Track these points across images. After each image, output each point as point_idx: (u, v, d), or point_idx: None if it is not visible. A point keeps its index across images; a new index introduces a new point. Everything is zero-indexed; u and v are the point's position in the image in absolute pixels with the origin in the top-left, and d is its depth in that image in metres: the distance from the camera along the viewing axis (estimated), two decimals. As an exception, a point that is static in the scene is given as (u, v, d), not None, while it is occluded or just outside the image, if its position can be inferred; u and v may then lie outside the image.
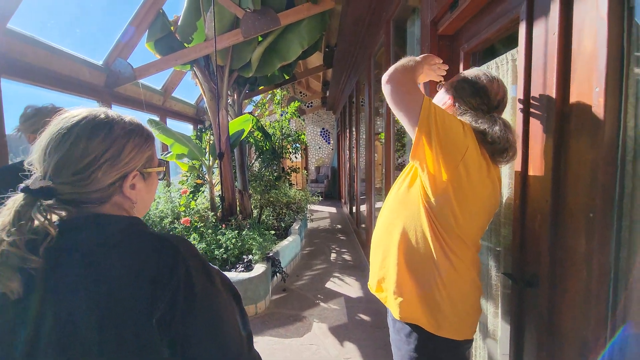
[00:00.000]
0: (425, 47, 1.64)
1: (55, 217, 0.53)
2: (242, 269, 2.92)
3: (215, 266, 0.63)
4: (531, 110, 0.96)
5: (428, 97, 0.88)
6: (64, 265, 0.50)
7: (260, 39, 3.50)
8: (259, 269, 2.84)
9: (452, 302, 0.92)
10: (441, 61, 1.10)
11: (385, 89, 0.91)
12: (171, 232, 3.32)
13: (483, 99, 0.96)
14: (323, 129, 9.89)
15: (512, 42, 1.13)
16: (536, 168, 0.94)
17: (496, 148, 0.92)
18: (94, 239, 0.53)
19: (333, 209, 7.73)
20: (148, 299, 0.50)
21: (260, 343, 2.30)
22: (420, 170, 0.90)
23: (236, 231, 3.48)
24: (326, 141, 9.92)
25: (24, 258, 0.48)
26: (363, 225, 5.04)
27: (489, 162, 0.94)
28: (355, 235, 5.16)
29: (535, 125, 0.94)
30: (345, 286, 3.22)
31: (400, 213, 0.98)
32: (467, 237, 0.92)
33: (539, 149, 0.92)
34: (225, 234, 3.37)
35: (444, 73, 1.13)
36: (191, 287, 0.52)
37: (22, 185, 0.52)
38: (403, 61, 0.93)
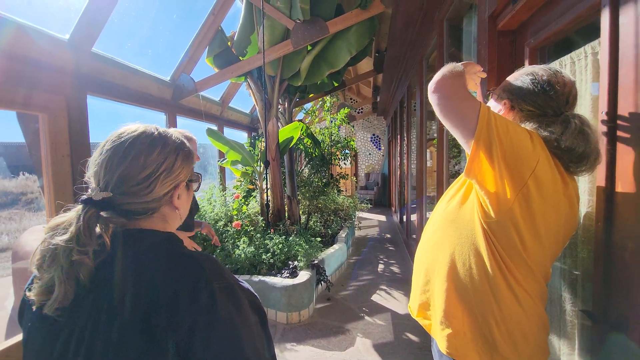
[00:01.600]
0: (482, 45, 1.48)
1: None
2: (287, 274, 2.95)
3: (245, 283, 0.63)
4: (619, 112, 0.79)
5: (485, 105, 0.77)
6: (107, 275, 0.53)
7: (309, 47, 3.55)
8: (304, 276, 2.84)
9: (513, 342, 0.78)
10: (481, 69, 0.99)
11: (433, 98, 0.81)
12: (223, 235, 3.51)
13: (549, 95, 0.81)
14: (373, 134, 9.71)
15: (590, 34, 0.95)
16: (626, 184, 0.76)
17: (573, 155, 0.77)
18: (134, 253, 0.56)
19: (382, 217, 7.49)
20: (168, 319, 0.49)
21: (302, 353, 2.28)
22: (478, 187, 0.78)
23: (283, 236, 3.55)
24: (376, 147, 9.70)
25: (87, 266, 0.52)
26: (414, 236, 4.78)
27: (564, 175, 0.79)
28: (405, 246, 4.91)
29: (625, 130, 0.77)
30: (393, 301, 3.06)
31: (449, 233, 0.87)
32: (536, 264, 0.78)
33: (629, 159, 0.75)
34: (272, 239, 3.45)
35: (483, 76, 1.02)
36: (214, 312, 0.51)
37: (83, 197, 0.56)
38: (449, 67, 0.83)
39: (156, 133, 0.61)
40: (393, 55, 4.02)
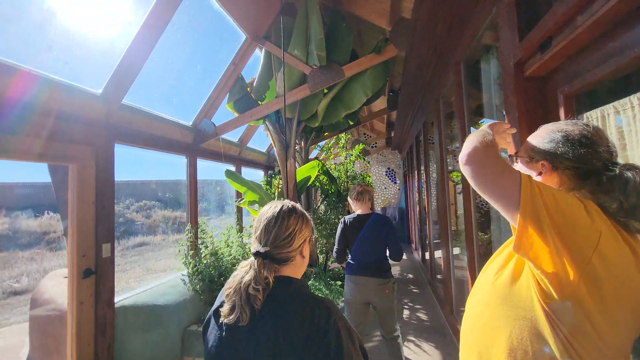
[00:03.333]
0: (509, 91, 1.45)
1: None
2: (308, 324, 2.78)
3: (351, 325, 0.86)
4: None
5: (526, 174, 0.71)
6: (265, 307, 0.79)
7: (325, 91, 3.66)
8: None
9: None
10: (509, 126, 0.96)
11: (466, 171, 0.76)
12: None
13: (590, 148, 0.74)
14: (388, 168, 9.67)
15: (633, 83, 0.91)
16: None
17: (638, 213, 0.69)
18: (281, 293, 0.82)
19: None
20: (302, 351, 0.72)
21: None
22: (533, 266, 0.70)
23: (302, 280, 3.41)
24: (392, 181, 9.61)
25: (258, 299, 0.78)
26: (439, 277, 4.51)
27: (631, 243, 0.70)
28: (430, 287, 4.63)
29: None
30: (424, 355, 2.80)
31: (503, 312, 0.77)
32: (613, 349, 0.67)
33: None
34: (291, 283, 3.31)
35: (513, 131, 0.98)
36: (340, 347, 0.73)
37: (254, 251, 0.84)
38: (478, 136, 0.79)
39: (290, 206, 0.92)
40: (407, 94, 4.08)
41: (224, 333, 0.80)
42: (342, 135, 6.57)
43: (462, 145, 0.80)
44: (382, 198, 9.65)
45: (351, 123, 4.91)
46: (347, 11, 3.57)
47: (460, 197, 4.06)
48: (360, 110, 4.66)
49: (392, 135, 7.63)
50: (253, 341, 0.76)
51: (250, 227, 5.06)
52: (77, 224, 2.33)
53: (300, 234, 0.89)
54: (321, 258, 4.88)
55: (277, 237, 0.86)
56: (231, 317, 0.78)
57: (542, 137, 0.83)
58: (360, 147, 6.60)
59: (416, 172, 5.80)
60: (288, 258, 0.87)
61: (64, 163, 2.29)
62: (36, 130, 2.07)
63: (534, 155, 0.83)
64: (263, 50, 3.80)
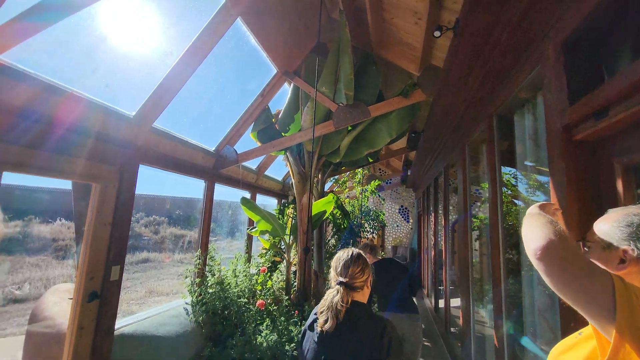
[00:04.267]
0: (555, 154, 1.38)
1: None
2: (313, 374, 2.58)
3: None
4: None
5: (617, 275, 0.62)
6: (344, 324, 1.20)
7: (349, 128, 3.68)
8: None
9: None
10: (557, 206, 0.98)
11: (541, 267, 0.68)
12: (245, 315, 3.25)
13: None
14: (402, 206, 9.51)
15: None
16: None
17: None
18: (355, 310, 1.23)
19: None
20: (368, 349, 1.17)
21: None
22: None
23: (309, 321, 3.23)
24: (405, 219, 9.41)
25: (342, 313, 1.18)
26: (454, 330, 4.21)
27: None
28: (443, 341, 4.31)
29: None
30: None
31: None
32: None
33: None
34: (297, 324, 3.13)
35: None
36: (388, 350, 1.18)
37: (338, 281, 1.26)
38: (544, 223, 0.71)
39: (357, 252, 1.35)
40: (430, 138, 4.06)
41: (318, 338, 1.21)
42: (359, 170, 6.56)
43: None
44: (394, 236, 9.40)
45: (371, 160, 4.89)
46: (377, 54, 3.67)
47: (476, 243, 3.89)
48: (381, 149, 4.65)
49: (409, 173, 7.57)
50: (338, 342, 1.19)
51: (260, 256, 4.93)
52: (91, 244, 2.29)
53: (366, 270, 1.32)
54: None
55: (353, 272, 1.27)
56: (326, 325, 1.18)
57: (617, 220, 0.75)
58: (376, 184, 6.55)
59: (433, 214, 5.65)
60: (359, 287, 1.28)
61: (90, 182, 2.30)
62: (72, 149, 2.10)
63: (610, 242, 0.74)
64: (292, 84, 3.91)
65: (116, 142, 2.47)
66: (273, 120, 4.02)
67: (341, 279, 1.26)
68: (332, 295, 1.22)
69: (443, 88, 2.76)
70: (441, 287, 5.12)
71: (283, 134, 3.92)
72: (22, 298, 6.12)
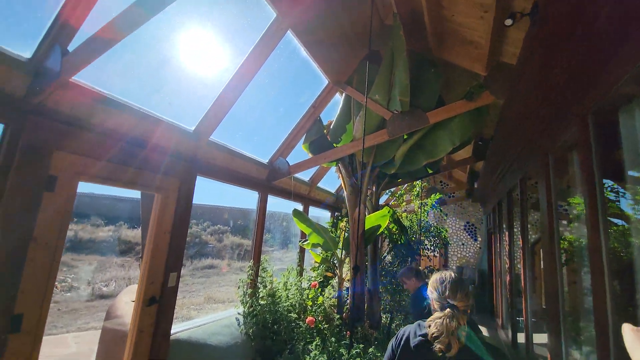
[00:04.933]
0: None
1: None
2: (364, 407, 2.32)
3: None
4: None
5: None
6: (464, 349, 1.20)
7: (405, 137, 3.43)
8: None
9: None
10: None
11: None
12: (294, 332, 3.14)
13: None
14: (468, 222, 8.62)
15: None
16: None
17: None
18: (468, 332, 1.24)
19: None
20: None
21: None
22: None
23: (362, 345, 2.98)
24: (472, 237, 8.49)
25: (460, 333, 1.19)
26: (536, 374, 3.53)
27: None
28: (522, 385, 3.63)
29: None
30: None
31: None
32: None
33: None
34: (349, 348, 2.91)
35: None
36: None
37: (449, 303, 1.24)
38: None
39: (456, 274, 1.36)
40: (501, 146, 3.57)
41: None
42: (417, 182, 6.13)
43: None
44: (459, 256, 8.54)
45: (430, 171, 4.51)
46: (436, 57, 3.39)
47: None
48: (442, 159, 4.26)
49: (475, 186, 6.84)
50: None
51: (312, 269, 4.84)
52: (152, 250, 2.43)
53: (470, 294, 1.31)
54: (384, 318, 4.33)
55: (462, 295, 1.27)
56: (450, 352, 1.16)
57: None
58: (437, 197, 6.04)
59: (507, 233, 4.95)
60: (467, 309, 1.25)
61: (154, 192, 2.47)
62: (139, 163, 2.28)
63: None
64: (343, 94, 3.83)
65: (177, 155, 2.63)
66: (325, 131, 3.97)
67: (451, 302, 1.25)
68: (447, 318, 1.20)
69: (517, 87, 2.38)
70: (520, 318, 4.39)
71: (335, 145, 3.83)
72: (107, 294, 6.95)
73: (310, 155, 3.89)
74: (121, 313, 3.16)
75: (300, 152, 4.17)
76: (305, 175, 5.00)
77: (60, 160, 1.84)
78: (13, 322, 1.61)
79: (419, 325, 1.32)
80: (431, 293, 1.35)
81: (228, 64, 2.72)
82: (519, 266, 4.56)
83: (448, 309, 1.22)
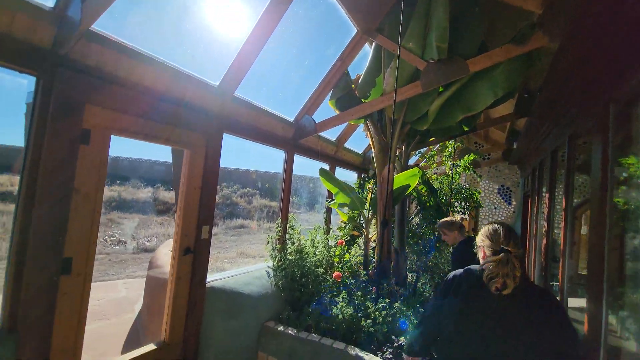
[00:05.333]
0: None
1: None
2: (390, 356, 2.40)
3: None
4: None
5: None
6: (520, 290, 1.28)
7: (441, 89, 3.16)
8: (411, 366, 2.23)
9: None
10: None
11: None
12: (321, 285, 3.24)
13: None
14: (502, 186, 8.20)
15: None
16: None
17: None
18: (528, 281, 1.35)
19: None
20: (554, 322, 1.28)
21: None
22: None
23: (387, 300, 3.03)
24: (506, 201, 8.12)
25: (517, 278, 1.25)
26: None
27: None
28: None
29: None
30: None
31: None
32: None
33: None
34: (375, 302, 2.97)
35: None
36: (569, 323, 1.31)
37: (502, 249, 1.30)
38: None
39: (499, 224, 1.47)
40: (550, 98, 3.20)
41: (494, 300, 1.28)
42: (450, 143, 5.80)
43: None
44: (490, 220, 8.26)
45: (465, 129, 4.21)
46: (481, -6, 2.98)
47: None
48: (480, 114, 3.94)
49: (514, 146, 6.37)
50: (515, 304, 1.26)
51: (338, 229, 4.89)
52: (184, 205, 2.52)
53: (519, 241, 1.35)
54: (410, 277, 4.37)
55: (515, 242, 1.33)
56: (506, 290, 1.24)
57: None
58: (471, 158, 5.71)
59: (547, 197, 4.63)
60: (518, 255, 1.30)
61: (182, 147, 2.50)
62: (166, 118, 2.29)
63: None
64: (373, 44, 3.53)
65: (203, 111, 2.60)
66: (352, 86, 3.75)
67: (505, 247, 1.31)
68: (503, 261, 1.27)
69: (581, 24, 2.04)
70: (555, 283, 4.24)
71: (363, 100, 3.63)
72: (150, 248, 7.58)
73: (337, 112, 3.74)
74: (161, 263, 3.42)
75: (327, 110, 4.03)
76: (332, 135, 4.87)
77: (92, 114, 1.87)
78: (64, 265, 1.76)
79: (469, 270, 1.42)
80: (483, 241, 1.42)
81: (250, 13, 2.56)
82: (557, 231, 4.31)
83: (502, 254, 1.29)
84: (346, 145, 5.17)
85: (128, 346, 2.99)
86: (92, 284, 1.85)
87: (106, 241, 8.10)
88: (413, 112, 3.33)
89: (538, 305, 1.26)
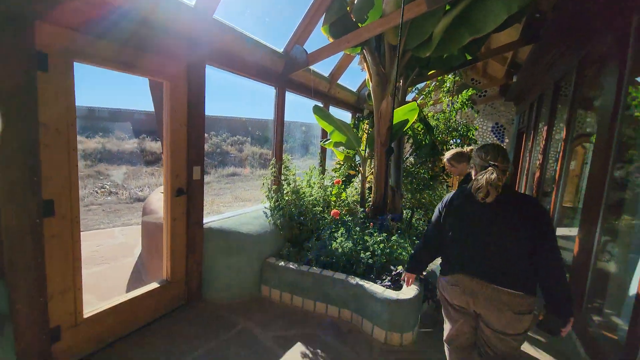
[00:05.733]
0: None
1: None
2: (389, 283, 2.49)
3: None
4: None
5: None
6: (502, 199, 1.42)
7: (448, 7, 2.81)
8: (411, 291, 2.33)
9: None
10: None
11: None
12: (320, 223, 3.25)
13: None
14: (496, 123, 8.09)
15: None
16: None
17: None
18: (510, 191, 1.45)
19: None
20: (523, 219, 1.41)
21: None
22: None
23: (384, 234, 3.08)
24: (499, 139, 8.09)
25: (500, 188, 1.40)
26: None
27: None
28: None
29: None
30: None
31: None
32: None
33: None
34: (373, 235, 3.02)
35: None
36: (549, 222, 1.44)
37: (492, 164, 1.44)
38: None
39: (499, 144, 2.44)
40: (567, 14, 2.90)
41: (479, 208, 1.44)
42: (449, 77, 5.50)
43: None
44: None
45: (469, 58, 3.92)
46: None
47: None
48: (485, 40, 3.62)
49: (514, 80, 6.10)
50: (499, 212, 1.41)
51: (333, 170, 4.83)
52: (171, 144, 2.33)
53: (508, 158, 1.47)
54: (405, 214, 4.44)
55: (503, 158, 1.45)
56: (488, 198, 1.38)
57: None
58: (469, 93, 5.47)
59: (545, 130, 4.54)
60: (507, 171, 1.43)
61: (159, 79, 2.23)
62: (130, 39, 1.98)
63: None
64: (371, -45, 3.05)
65: (180, 35, 2.27)
66: (348, 9, 3.33)
67: (492, 162, 1.44)
68: (488, 173, 1.39)
69: None
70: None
71: (360, 25, 3.25)
72: (143, 197, 7.51)
73: (330, 40, 3.38)
74: (154, 208, 3.34)
75: (320, 40, 3.63)
76: (324, 70, 4.52)
77: (47, 34, 1.57)
78: (45, 207, 1.64)
79: (462, 188, 1.58)
80: (474, 160, 1.55)
81: None
82: (551, 162, 4.32)
83: (490, 167, 1.42)
84: (339, 82, 4.84)
85: (131, 286, 3.05)
86: (88, 232, 1.76)
87: (97, 192, 7.96)
88: (415, 36, 3.01)
89: (524, 209, 1.38)
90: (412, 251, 1.85)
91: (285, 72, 3.50)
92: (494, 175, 1.37)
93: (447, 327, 1.68)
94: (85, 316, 1.91)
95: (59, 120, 1.65)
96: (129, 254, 3.79)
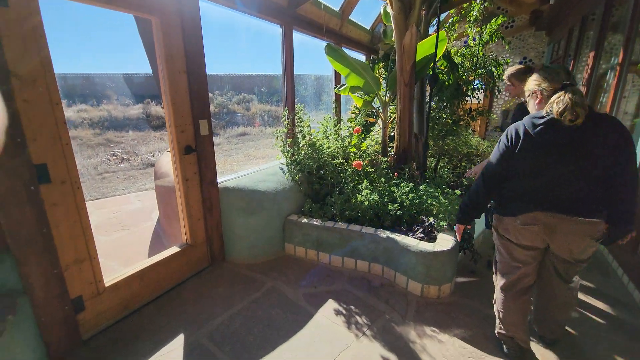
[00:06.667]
0: None
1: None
2: (421, 234, 2.31)
3: None
4: None
5: None
6: (587, 123, 1.27)
7: None
8: (447, 242, 2.15)
9: None
10: None
11: None
12: (341, 175, 3.02)
13: None
14: (525, 58, 7.31)
15: None
16: None
17: None
18: (591, 114, 1.28)
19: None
20: (608, 141, 1.29)
21: (449, 346, 1.71)
22: None
23: (411, 184, 2.84)
24: (527, 75, 7.35)
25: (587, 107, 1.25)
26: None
27: None
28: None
29: None
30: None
31: None
32: None
33: None
34: (399, 186, 2.79)
35: None
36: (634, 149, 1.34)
37: (564, 83, 1.30)
38: None
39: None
40: None
41: (564, 134, 1.28)
42: (476, 3, 4.79)
43: None
44: (507, 99, 7.68)
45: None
46: None
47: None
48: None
49: (551, 2, 5.29)
50: (584, 135, 1.26)
51: (349, 120, 4.47)
52: (171, 94, 2.05)
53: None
54: (430, 162, 4.16)
55: (572, 80, 1.33)
56: (577, 121, 1.23)
57: None
58: (499, 22, 4.79)
59: (591, 55, 3.97)
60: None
61: (146, 15, 1.88)
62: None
63: None
64: None
65: (163, -42, 1.87)
66: None
67: (567, 82, 1.30)
68: (570, 93, 1.25)
69: None
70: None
71: None
72: (155, 162, 7.40)
73: (342, -40, 2.84)
74: (165, 170, 3.16)
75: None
76: (334, 4, 3.95)
77: (-7, -47, 1.24)
78: (39, 172, 1.44)
79: (532, 116, 1.36)
80: (539, 85, 1.39)
81: None
82: (601, 91, 3.83)
83: (569, 86, 1.28)
84: (352, 17, 4.27)
85: (153, 251, 3.00)
86: (105, 199, 1.57)
87: (110, 160, 7.91)
88: (447, -56, 2.46)
89: (610, 132, 1.25)
90: (466, 199, 1.61)
91: (292, 6, 3.03)
92: (577, 95, 1.25)
93: (504, 273, 1.59)
94: (107, 284, 1.82)
95: (32, 67, 1.38)
96: (148, 218, 3.73)
